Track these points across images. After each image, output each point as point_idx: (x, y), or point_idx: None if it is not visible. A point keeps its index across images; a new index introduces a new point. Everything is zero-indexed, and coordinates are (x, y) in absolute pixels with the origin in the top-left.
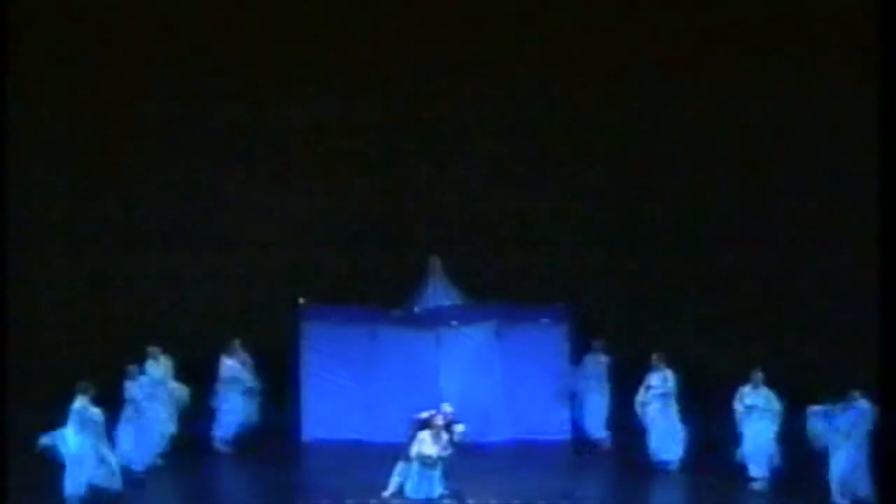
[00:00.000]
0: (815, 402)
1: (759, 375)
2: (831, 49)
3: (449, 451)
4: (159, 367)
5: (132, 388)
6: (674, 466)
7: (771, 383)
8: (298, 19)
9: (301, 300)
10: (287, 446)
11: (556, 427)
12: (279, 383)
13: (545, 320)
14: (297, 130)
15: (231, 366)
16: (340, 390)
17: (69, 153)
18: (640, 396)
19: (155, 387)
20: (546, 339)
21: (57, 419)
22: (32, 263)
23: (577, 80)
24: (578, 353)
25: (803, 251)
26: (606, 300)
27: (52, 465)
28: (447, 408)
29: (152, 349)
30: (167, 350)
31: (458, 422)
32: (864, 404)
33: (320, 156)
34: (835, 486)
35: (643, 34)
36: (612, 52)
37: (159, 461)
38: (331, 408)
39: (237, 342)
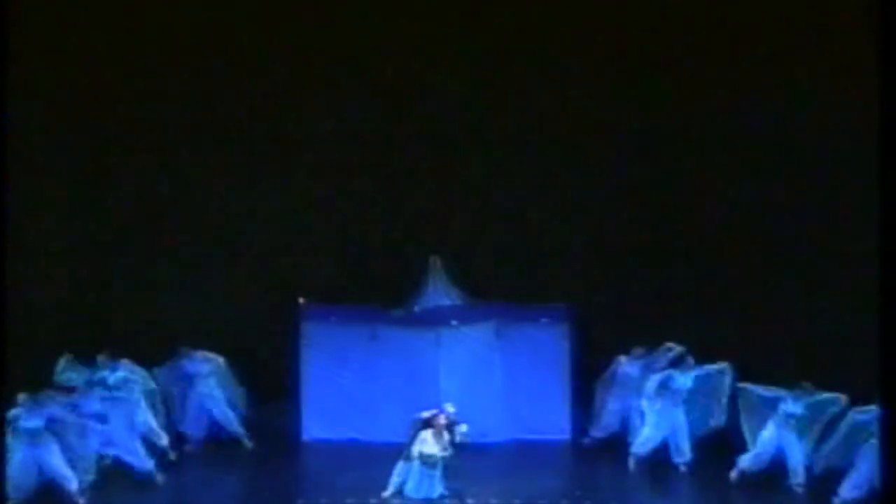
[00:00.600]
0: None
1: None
2: (834, 60)
3: (450, 452)
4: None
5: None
6: (684, 467)
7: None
8: (297, 24)
9: (301, 300)
10: (287, 446)
11: (556, 427)
12: (279, 383)
13: (545, 320)
14: (298, 132)
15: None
16: (340, 390)
17: (69, 151)
18: (650, 394)
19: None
20: (546, 339)
21: None
22: (31, 266)
23: (578, 81)
24: (578, 353)
25: (806, 251)
26: (607, 300)
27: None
28: (450, 408)
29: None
30: (166, 351)
31: (460, 422)
32: None
33: (320, 156)
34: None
35: (650, 37)
36: (612, 55)
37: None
38: (331, 407)
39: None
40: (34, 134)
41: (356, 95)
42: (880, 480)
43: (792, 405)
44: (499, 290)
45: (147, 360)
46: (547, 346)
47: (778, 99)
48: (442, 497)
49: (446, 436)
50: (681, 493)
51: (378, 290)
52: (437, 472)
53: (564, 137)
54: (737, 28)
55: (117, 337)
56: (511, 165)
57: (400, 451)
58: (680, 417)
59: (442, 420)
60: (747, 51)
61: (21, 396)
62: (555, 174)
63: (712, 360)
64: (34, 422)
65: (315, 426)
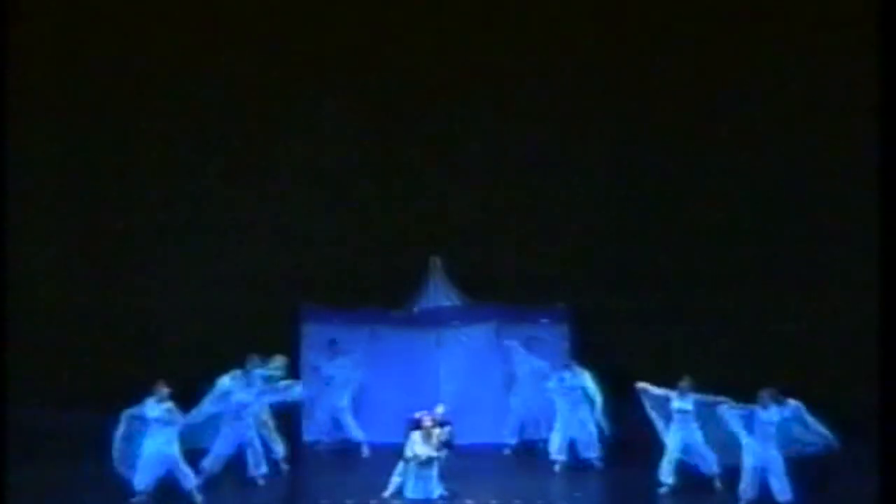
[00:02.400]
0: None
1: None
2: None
3: (441, 452)
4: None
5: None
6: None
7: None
8: (296, 22)
9: (302, 302)
10: (287, 446)
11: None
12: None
13: (545, 321)
14: (298, 132)
15: None
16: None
17: (71, 146)
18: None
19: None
20: (546, 340)
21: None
22: (33, 265)
23: (577, 81)
24: (577, 354)
25: (805, 259)
26: (606, 301)
27: (52, 466)
28: (440, 408)
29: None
30: (167, 355)
31: (445, 423)
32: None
33: (321, 157)
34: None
35: (647, 35)
36: (610, 56)
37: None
38: (331, 408)
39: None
40: (36, 138)
41: (356, 97)
42: (879, 480)
43: (680, 403)
44: (499, 290)
45: (147, 362)
46: (546, 347)
47: (782, 116)
48: (441, 498)
49: (435, 436)
50: (679, 495)
51: (378, 292)
52: (433, 473)
53: (566, 139)
54: (747, 46)
55: (119, 339)
56: (511, 167)
57: (400, 451)
58: (584, 414)
59: (427, 421)
60: (745, 68)
61: (162, 390)
62: (555, 176)
63: (711, 361)
64: (165, 414)
65: (315, 427)
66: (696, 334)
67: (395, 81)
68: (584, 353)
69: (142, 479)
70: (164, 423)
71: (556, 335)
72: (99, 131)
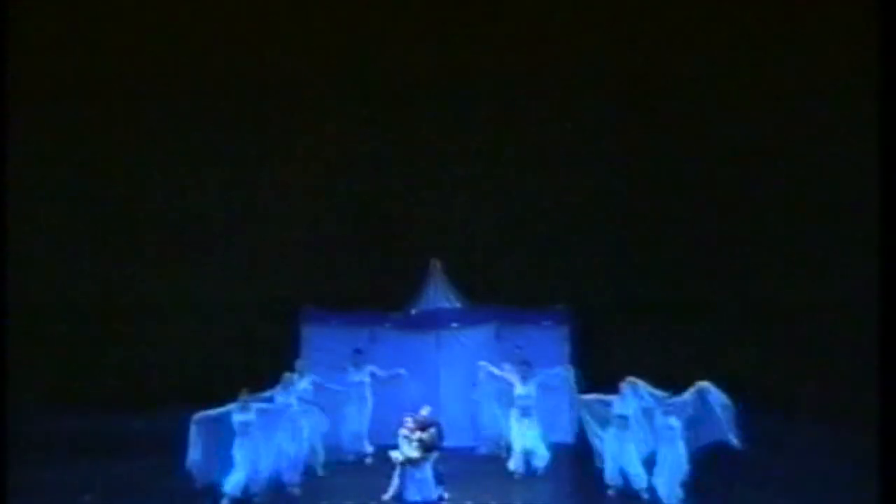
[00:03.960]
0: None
1: (627, 386)
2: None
3: (429, 454)
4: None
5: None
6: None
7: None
8: (297, 28)
9: (301, 304)
10: None
11: (557, 429)
12: None
13: (546, 322)
14: (298, 134)
15: None
16: None
17: (70, 137)
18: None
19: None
20: (546, 342)
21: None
22: (34, 265)
23: (576, 82)
24: (578, 356)
25: (807, 255)
26: (607, 303)
27: (52, 466)
28: (425, 410)
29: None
30: (168, 355)
31: (430, 424)
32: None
33: (320, 159)
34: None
35: (647, 37)
36: (609, 54)
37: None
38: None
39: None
40: (37, 149)
41: (356, 100)
42: (878, 480)
43: (621, 408)
44: (499, 292)
45: (147, 362)
46: (547, 349)
47: (783, 119)
48: (441, 500)
49: (416, 439)
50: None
51: (378, 293)
52: (426, 475)
53: (566, 142)
54: (748, 47)
55: (120, 340)
56: (512, 169)
57: None
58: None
59: (410, 423)
60: (746, 73)
61: (243, 393)
62: (556, 178)
63: (712, 362)
64: (244, 416)
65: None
66: (696, 335)
67: (396, 84)
68: (585, 354)
69: (255, 485)
70: (249, 424)
71: (556, 337)
72: (100, 137)
